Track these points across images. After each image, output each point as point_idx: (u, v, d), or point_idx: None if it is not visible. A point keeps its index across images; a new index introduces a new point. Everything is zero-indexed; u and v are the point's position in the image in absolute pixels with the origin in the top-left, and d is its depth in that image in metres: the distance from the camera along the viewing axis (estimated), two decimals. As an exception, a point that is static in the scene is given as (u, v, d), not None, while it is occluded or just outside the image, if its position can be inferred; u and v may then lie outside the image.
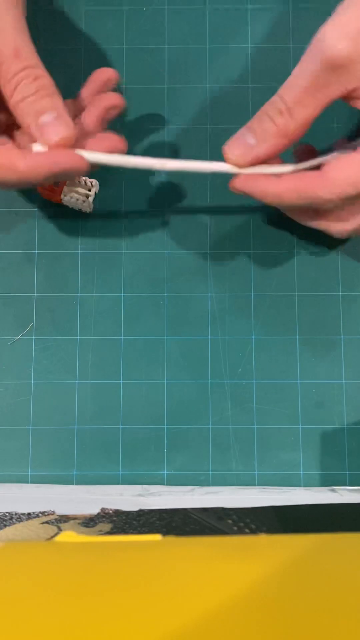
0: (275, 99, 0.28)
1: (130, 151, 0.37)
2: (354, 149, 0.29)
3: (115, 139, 0.30)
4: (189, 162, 0.30)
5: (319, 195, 0.28)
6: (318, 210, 0.31)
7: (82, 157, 0.29)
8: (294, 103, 0.27)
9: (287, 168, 0.30)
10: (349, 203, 0.29)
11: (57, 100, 0.29)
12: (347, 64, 0.26)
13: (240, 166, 0.30)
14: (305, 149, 0.34)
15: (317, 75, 0.27)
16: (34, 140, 0.29)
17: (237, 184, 0.30)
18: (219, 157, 0.37)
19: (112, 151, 0.30)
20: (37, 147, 0.29)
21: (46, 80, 0.29)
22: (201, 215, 0.37)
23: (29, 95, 0.29)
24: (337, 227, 0.31)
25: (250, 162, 0.29)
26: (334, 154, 0.30)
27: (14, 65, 0.28)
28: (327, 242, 0.36)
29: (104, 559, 0.21)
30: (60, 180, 0.29)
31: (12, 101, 0.29)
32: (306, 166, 0.31)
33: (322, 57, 0.26)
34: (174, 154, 0.37)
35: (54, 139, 0.29)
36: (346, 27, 0.26)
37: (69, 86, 0.38)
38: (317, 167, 0.30)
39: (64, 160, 0.29)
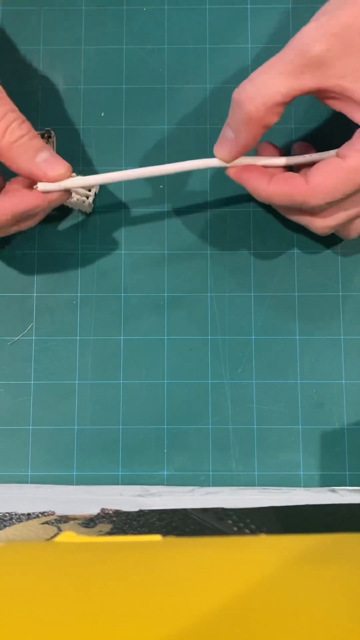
0: (244, 83, 0.29)
1: (130, 151, 0.37)
2: (337, 154, 0.29)
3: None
4: (178, 163, 0.31)
5: (305, 201, 0.29)
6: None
7: (39, 194, 0.31)
8: (264, 86, 0.28)
9: (280, 161, 0.31)
10: (334, 204, 0.30)
11: (42, 141, 0.31)
12: (320, 63, 0.27)
13: (228, 162, 0.31)
14: (303, 146, 0.34)
15: (293, 65, 0.27)
16: (30, 181, 0.31)
17: (231, 174, 0.31)
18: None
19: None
20: (43, 186, 0.30)
21: (28, 123, 0.31)
22: (201, 215, 0.37)
23: (22, 136, 0.30)
24: (319, 223, 0.32)
25: (237, 156, 0.30)
26: (328, 153, 0.31)
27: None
28: (327, 242, 0.36)
29: (104, 559, 0.21)
30: (23, 221, 0.32)
31: (4, 142, 0.30)
32: (299, 160, 0.31)
33: (299, 49, 0.27)
34: (174, 153, 0.37)
35: (58, 173, 0.31)
36: (324, 28, 0.27)
37: (69, 86, 0.38)
38: (311, 164, 0.31)
39: (26, 200, 0.30)
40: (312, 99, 0.31)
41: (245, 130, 0.29)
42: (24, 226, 0.32)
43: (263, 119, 0.28)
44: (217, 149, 0.31)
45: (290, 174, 0.30)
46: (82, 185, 0.32)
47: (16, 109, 0.31)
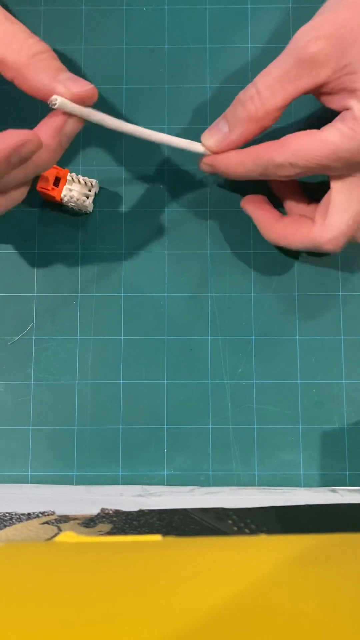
0: (249, 86, 0.30)
1: (130, 150, 0.37)
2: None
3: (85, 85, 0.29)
4: (164, 135, 0.32)
5: (272, 158, 0.30)
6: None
7: (32, 132, 0.28)
8: (265, 90, 0.29)
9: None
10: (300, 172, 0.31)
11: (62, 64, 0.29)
12: (315, 61, 0.28)
13: (214, 152, 0.32)
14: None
15: (289, 68, 0.29)
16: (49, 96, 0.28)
17: (205, 160, 0.32)
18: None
19: (84, 96, 0.29)
20: (60, 99, 0.28)
21: (46, 44, 0.29)
22: (201, 215, 0.37)
23: (41, 52, 0.28)
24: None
25: (224, 148, 0.31)
26: None
27: (14, 25, 0.28)
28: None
29: (104, 559, 0.21)
30: (16, 164, 0.28)
31: (22, 57, 0.28)
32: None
33: (295, 53, 0.29)
34: (174, 153, 0.37)
35: (84, 89, 0.28)
36: (319, 29, 0.28)
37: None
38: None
39: (15, 137, 0.27)
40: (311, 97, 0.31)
41: (242, 127, 0.30)
42: (20, 177, 0.29)
43: (261, 120, 0.30)
44: (206, 136, 0.31)
45: (301, 218, 0.33)
46: (99, 120, 0.30)
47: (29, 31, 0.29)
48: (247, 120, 0.30)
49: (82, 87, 0.29)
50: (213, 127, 0.31)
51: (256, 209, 0.34)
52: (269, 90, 0.29)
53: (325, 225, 0.31)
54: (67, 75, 0.29)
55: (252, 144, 0.31)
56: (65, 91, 0.28)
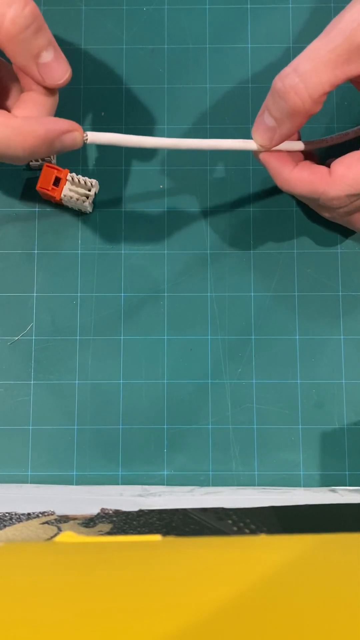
0: (288, 72, 0.27)
1: (130, 151, 0.37)
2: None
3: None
4: (212, 140, 0.30)
5: (326, 191, 0.29)
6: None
7: (79, 126, 0.28)
8: (311, 75, 0.26)
9: (299, 146, 0.31)
10: (353, 198, 0.30)
11: (50, 33, 0.27)
12: None
13: (267, 149, 0.30)
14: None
15: (340, 52, 0.26)
16: (30, 83, 0.27)
17: (260, 157, 0.31)
18: (219, 158, 0.37)
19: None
20: (90, 135, 0.28)
21: (34, 5, 0.26)
22: (201, 215, 0.37)
23: (18, 33, 0.26)
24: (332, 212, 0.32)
25: (275, 144, 0.30)
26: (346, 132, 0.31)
27: None
28: (327, 242, 0.36)
29: (104, 559, 0.21)
30: (52, 153, 0.28)
31: (3, 32, 0.25)
32: (318, 145, 0.32)
33: (346, 38, 0.25)
34: (175, 153, 0.37)
35: (58, 81, 0.27)
36: None
37: (69, 86, 0.38)
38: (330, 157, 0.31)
39: (62, 126, 0.27)
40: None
41: (290, 121, 0.28)
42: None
43: (309, 111, 0.27)
44: (257, 135, 0.30)
45: (316, 165, 0.30)
46: (137, 144, 0.29)
47: None
48: (294, 114, 0.27)
49: (56, 79, 0.27)
50: (259, 123, 0.29)
51: (270, 155, 0.31)
52: (315, 74, 0.26)
53: (341, 175, 0.29)
54: (46, 57, 0.27)
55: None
56: (40, 79, 0.27)
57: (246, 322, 0.36)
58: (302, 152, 0.32)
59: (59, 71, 0.27)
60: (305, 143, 0.32)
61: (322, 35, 0.27)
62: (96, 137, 0.28)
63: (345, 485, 0.34)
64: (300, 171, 0.30)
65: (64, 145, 0.28)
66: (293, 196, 0.35)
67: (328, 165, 0.30)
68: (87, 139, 0.28)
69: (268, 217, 0.36)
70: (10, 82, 0.30)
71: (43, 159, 0.35)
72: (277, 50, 0.38)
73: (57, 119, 0.28)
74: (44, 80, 0.27)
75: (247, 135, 0.38)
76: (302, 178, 0.30)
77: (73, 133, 0.28)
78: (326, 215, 0.33)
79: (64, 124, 0.27)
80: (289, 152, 0.31)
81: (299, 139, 0.32)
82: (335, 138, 0.33)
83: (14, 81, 0.30)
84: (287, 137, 0.30)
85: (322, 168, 0.30)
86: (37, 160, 0.36)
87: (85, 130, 0.28)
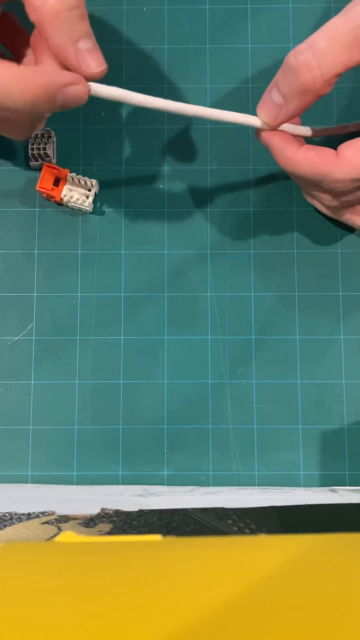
0: (302, 48, 0.26)
1: (130, 151, 0.37)
2: None
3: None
4: (217, 110, 0.30)
5: (332, 172, 0.28)
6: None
7: (82, 79, 0.26)
8: (327, 54, 0.25)
9: (303, 130, 0.31)
10: (357, 183, 0.29)
11: (89, 25, 0.27)
12: None
13: (271, 127, 0.29)
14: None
15: (359, 31, 0.25)
16: (44, 56, 0.27)
17: (263, 135, 0.30)
18: (219, 157, 0.37)
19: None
20: (94, 86, 0.27)
21: None
22: (201, 215, 0.37)
23: (64, 11, 0.25)
24: (334, 202, 0.31)
25: (280, 123, 0.29)
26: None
27: None
28: (327, 242, 0.36)
29: (104, 559, 0.21)
30: (54, 108, 0.27)
31: (46, 10, 0.25)
32: (320, 134, 0.31)
33: None
34: (174, 153, 0.37)
35: (95, 70, 0.27)
36: None
37: (69, 86, 0.38)
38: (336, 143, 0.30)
39: (65, 77, 0.26)
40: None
41: (298, 99, 0.27)
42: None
43: (319, 91, 0.27)
44: (263, 111, 0.29)
45: (321, 147, 0.29)
46: (141, 102, 0.28)
47: None
48: (303, 92, 0.27)
49: (93, 68, 0.27)
50: (266, 99, 0.28)
51: (273, 134, 0.30)
52: (330, 53, 0.25)
53: (349, 158, 0.28)
54: (86, 44, 0.27)
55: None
56: (75, 64, 0.26)
57: (246, 322, 0.36)
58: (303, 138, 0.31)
59: (97, 60, 0.27)
60: (306, 130, 0.31)
61: (341, 14, 0.26)
62: (100, 89, 0.27)
63: (345, 485, 0.34)
64: (305, 151, 0.29)
65: (67, 98, 0.26)
66: (291, 179, 0.34)
67: None
68: (90, 91, 0.27)
69: (268, 217, 0.36)
70: (24, 51, 0.29)
71: (43, 159, 0.35)
72: (277, 50, 0.38)
73: (60, 70, 0.27)
74: (79, 65, 0.26)
75: (247, 136, 0.38)
76: (307, 158, 0.29)
77: (76, 85, 0.26)
78: (324, 203, 0.32)
79: (66, 75, 0.26)
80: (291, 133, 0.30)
81: (300, 125, 0.31)
82: (336, 129, 0.33)
83: (28, 52, 0.29)
84: (293, 117, 0.29)
85: (329, 150, 0.29)
86: (37, 160, 0.36)
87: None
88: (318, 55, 0.26)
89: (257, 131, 0.30)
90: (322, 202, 0.33)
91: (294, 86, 0.27)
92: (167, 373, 0.35)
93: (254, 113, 0.30)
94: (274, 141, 0.29)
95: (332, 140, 0.33)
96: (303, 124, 0.32)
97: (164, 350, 0.35)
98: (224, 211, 0.37)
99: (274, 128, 0.30)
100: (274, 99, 0.28)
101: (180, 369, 0.35)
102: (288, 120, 0.29)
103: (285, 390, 0.35)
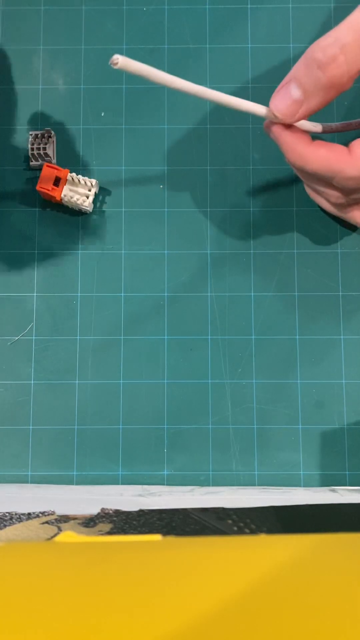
0: (328, 42, 0.25)
1: (130, 151, 0.37)
2: None
3: None
4: (227, 96, 0.28)
5: (344, 170, 0.27)
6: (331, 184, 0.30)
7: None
8: (353, 50, 0.24)
9: (311, 126, 0.30)
10: None
11: None
12: None
13: (283, 121, 0.28)
14: None
15: None
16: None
17: (273, 129, 0.29)
18: (219, 157, 0.37)
19: None
20: (121, 59, 0.25)
21: None
22: (201, 215, 0.37)
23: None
24: (341, 199, 0.31)
25: (299, 119, 0.28)
26: None
27: None
28: (327, 242, 0.36)
29: (104, 559, 0.21)
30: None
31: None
32: (326, 130, 0.31)
33: None
34: (174, 153, 0.37)
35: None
36: None
37: (68, 86, 0.38)
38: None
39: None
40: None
41: (321, 95, 0.26)
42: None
43: (344, 86, 0.26)
44: (281, 106, 0.27)
45: (333, 143, 0.29)
46: (161, 81, 0.27)
47: None
48: (329, 87, 0.25)
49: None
50: (283, 90, 0.27)
51: (284, 129, 0.29)
52: (357, 47, 0.24)
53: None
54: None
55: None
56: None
57: (246, 322, 0.36)
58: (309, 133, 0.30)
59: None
60: (315, 125, 0.31)
61: None
62: (127, 63, 0.26)
63: (345, 485, 0.34)
64: (317, 147, 0.28)
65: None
66: (297, 175, 0.33)
67: None
68: (117, 64, 0.26)
69: (268, 217, 0.36)
70: None
71: (43, 159, 0.35)
72: (277, 50, 0.38)
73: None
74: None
75: (247, 136, 0.38)
76: (319, 154, 0.28)
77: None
78: (331, 200, 0.32)
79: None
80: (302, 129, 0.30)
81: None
82: (339, 126, 0.32)
83: None
84: (313, 113, 0.27)
85: (341, 147, 0.28)
86: (37, 161, 0.36)
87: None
88: (345, 50, 0.25)
89: (266, 124, 0.29)
90: (328, 199, 0.32)
91: (319, 81, 0.26)
92: (167, 373, 0.35)
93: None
94: (285, 136, 0.28)
95: (332, 138, 0.33)
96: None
97: (164, 350, 0.35)
98: (224, 211, 0.37)
99: (290, 123, 0.28)
100: (293, 95, 0.27)
101: (180, 369, 0.35)
102: (308, 116, 0.28)
103: (285, 390, 0.35)
